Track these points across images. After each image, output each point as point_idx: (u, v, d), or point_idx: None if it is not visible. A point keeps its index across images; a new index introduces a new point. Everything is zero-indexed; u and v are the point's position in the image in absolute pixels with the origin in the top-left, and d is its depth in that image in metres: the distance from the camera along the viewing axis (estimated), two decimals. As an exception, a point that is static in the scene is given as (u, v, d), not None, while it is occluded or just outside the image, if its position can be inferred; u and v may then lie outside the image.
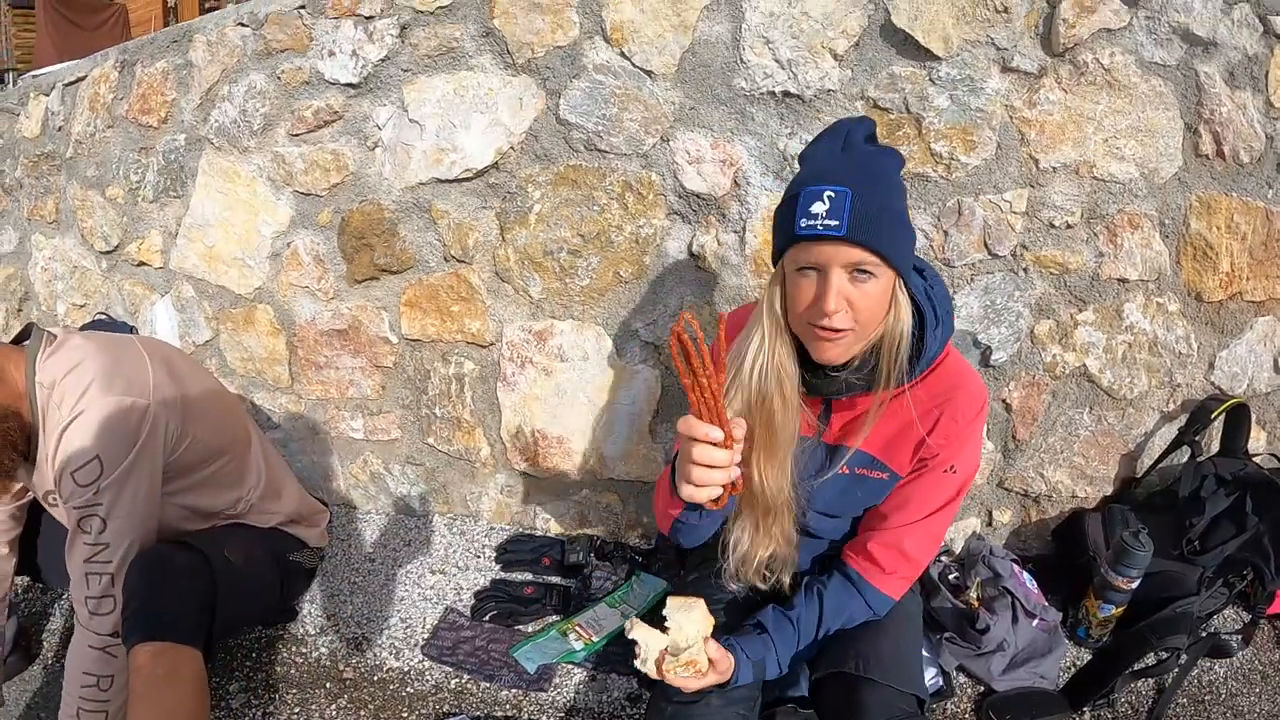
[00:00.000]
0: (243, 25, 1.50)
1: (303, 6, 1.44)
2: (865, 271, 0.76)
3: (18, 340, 1.09)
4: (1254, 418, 1.45)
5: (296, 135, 1.47)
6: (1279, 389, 1.47)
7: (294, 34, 1.45)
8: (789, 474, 0.90)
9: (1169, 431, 1.42)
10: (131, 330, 1.58)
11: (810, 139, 0.90)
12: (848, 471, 0.92)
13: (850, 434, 0.91)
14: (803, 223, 0.76)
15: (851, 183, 0.75)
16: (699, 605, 0.83)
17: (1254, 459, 1.41)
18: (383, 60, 1.38)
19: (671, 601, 0.83)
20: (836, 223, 0.74)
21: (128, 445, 0.99)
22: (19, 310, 2.07)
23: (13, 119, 1.97)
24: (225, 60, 1.52)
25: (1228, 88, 1.32)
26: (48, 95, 1.87)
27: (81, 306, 1.89)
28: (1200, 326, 1.40)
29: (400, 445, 1.59)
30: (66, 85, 1.82)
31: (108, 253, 1.79)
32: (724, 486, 0.73)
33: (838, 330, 0.78)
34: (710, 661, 0.85)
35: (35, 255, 1.97)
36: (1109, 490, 1.43)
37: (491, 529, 1.57)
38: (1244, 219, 1.37)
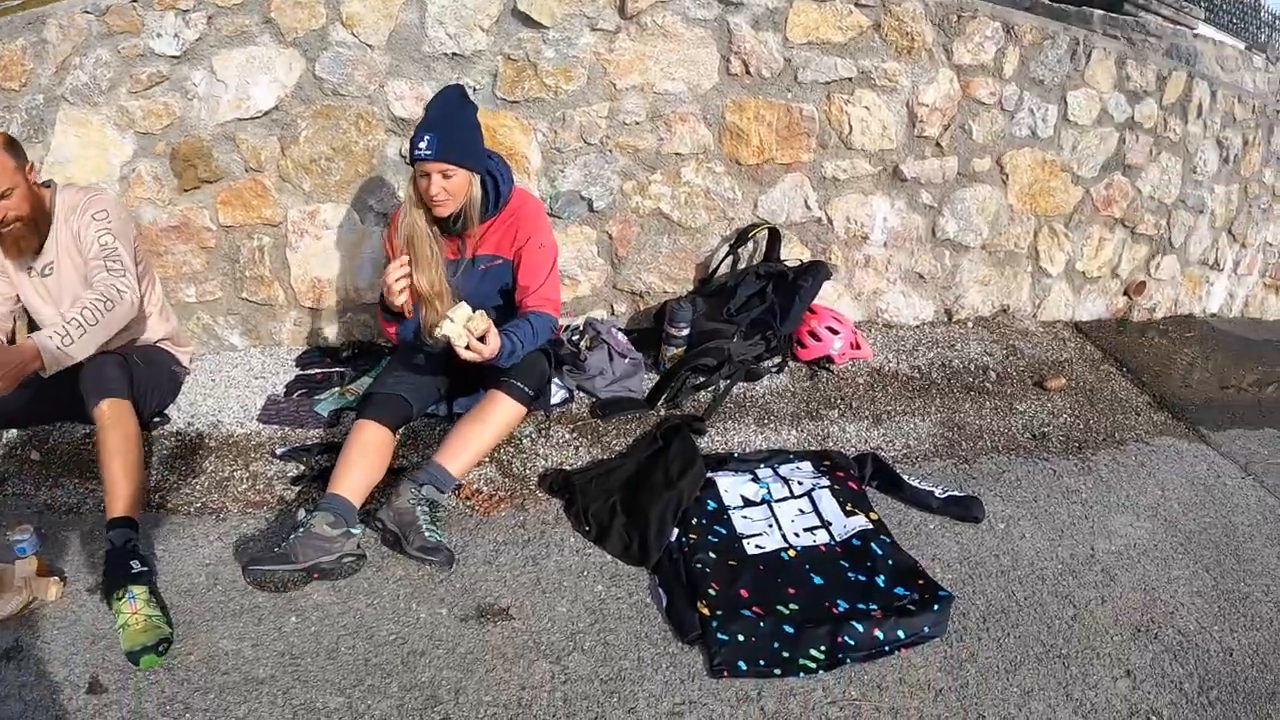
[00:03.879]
0: (88, 13, 3.48)
1: (135, 1, 3.45)
2: (448, 175, 2.83)
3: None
4: (794, 239, 3.66)
5: (135, 92, 3.46)
6: (810, 220, 3.68)
7: (129, 21, 3.44)
8: (441, 275, 2.95)
9: (726, 249, 3.60)
10: None
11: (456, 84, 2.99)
12: (483, 268, 3.02)
13: (473, 250, 3.00)
14: (415, 152, 2.82)
15: (438, 127, 2.82)
16: (464, 304, 2.85)
17: (784, 263, 3.60)
18: (197, 40, 3.39)
19: (451, 310, 2.84)
20: (430, 151, 2.79)
21: (122, 213, 2.96)
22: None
23: None
24: (75, 39, 3.50)
25: (753, 30, 3.51)
26: (-95, 64, 3.78)
27: (-54, 232, 3.80)
28: (743, 181, 3.59)
29: (222, 302, 3.63)
30: (-75, 56, 3.73)
31: (-28, 186, 3.71)
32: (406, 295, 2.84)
33: (440, 202, 2.87)
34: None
35: (-105, 195, 3.86)
36: (690, 287, 3.63)
37: (290, 350, 3.66)
38: (768, 112, 3.57)
